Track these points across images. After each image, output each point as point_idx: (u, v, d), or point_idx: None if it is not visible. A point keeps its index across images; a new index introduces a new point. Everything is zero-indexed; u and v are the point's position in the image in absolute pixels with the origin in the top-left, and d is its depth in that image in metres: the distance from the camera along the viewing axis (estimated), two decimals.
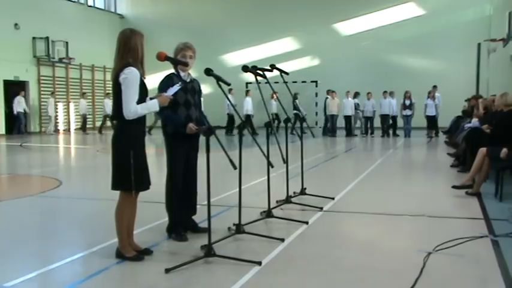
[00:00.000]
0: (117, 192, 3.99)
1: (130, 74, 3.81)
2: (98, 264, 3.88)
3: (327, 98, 19.49)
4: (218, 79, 4.11)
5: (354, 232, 5.08)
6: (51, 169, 10.33)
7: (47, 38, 21.68)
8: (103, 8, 26.54)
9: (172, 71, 4.63)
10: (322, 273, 3.69)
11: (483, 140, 7.19)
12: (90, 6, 25.44)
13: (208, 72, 4.17)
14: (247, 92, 20.03)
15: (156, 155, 11.62)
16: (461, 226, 5.13)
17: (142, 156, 3.98)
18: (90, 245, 4.35)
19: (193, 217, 4.79)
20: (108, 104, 19.85)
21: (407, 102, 17.88)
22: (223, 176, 6.76)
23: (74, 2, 24.24)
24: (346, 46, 23.41)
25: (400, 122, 18.60)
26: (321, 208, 5.75)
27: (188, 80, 4.62)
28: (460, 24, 22.04)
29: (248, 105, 19.49)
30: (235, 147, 8.46)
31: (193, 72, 4.74)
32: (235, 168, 3.65)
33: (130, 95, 3.80)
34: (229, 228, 4.79)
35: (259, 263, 3.79)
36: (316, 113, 23.10)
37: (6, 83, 20.67)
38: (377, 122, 18.88)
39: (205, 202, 3.87)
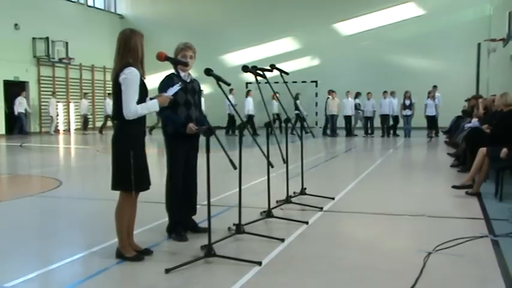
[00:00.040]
0: (117, 192, 3.99)
1: (130, 74, 3.81)
2: (98, 265, 3.88)
3: (328, 98, 19.49)
4: (218, 79, 4.11)
5: (354, 232, 5.08)
6: (51, 169, 10.33)
7: (47, 38, 21.69)
8: (103, 8, 26.55)
9: (172, 71, 4.63)
10: (322, 273, 3.69)
11: (483, 140, 7.19)
12: (90, 6, 25.45)
13: (208, 72, 4.17)
14: (248, 92, 20.04)
15: (156, 155, 11.62)
16: (461, 226, 5.13)
17: (142, 156, 3.98)
18: (90, 245, 4.35)
19: (193, 217, 4.79)
20: (110, 104, 19.86)
21: (407, 102, 17.89)
22: (223, 176, 6.77)
23: (73, 2, 24.24)
24: (346, 46, 23.41)
25: (400, 122, 18.62)
26: (321, 208, 5.75)
27: (188, 80, 4.62)
28: (460, 24, 22.04)
29: (249, 106, 19.50)
30: (235, 147, 8.46)
31: (194, 72, 4.74)
32: (235, 168, 3.65)
33: (130, 95, 3.80)
34: (229, 228, 4.79)
35: (259, 263, 3.79)
36: (316, 113, 23.10)
37: (6, 83, 20.68)
38: (377, 122, 18.89)
39: (205, 202, 3.87)
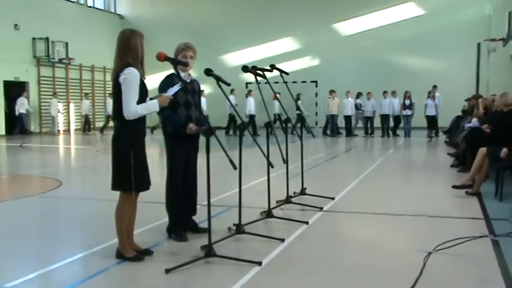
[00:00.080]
0: (117, 193, 3.99)
1: (130, 75, 3.81)
2: (98, 265, 3.88)
3: (329, 98, 19.46)
4: (218, 79, 4.11)
5: (354, 232, 5.09)
6: (51, 169, 10.33)
7: (47, 38, 21.68)
8: (103, 8, 26.55)
9: (173, 71, 4.63)
10: (322, 273, 3.69)
11: (483, 140, 7.19)
12: (90, 6, 25.44)
13: (208, 72, 4.17)
14: (249, 92, 20.04)
15: (156, 155, 11.62)
16: (461, 226, 5.13)
17: (142, 156, 3.98)
18: (90, 246, 4.35)
19: (194, 217, 4.79)
20: (111, 104, 19.81)
21: (407, 102, 17.91)
22: (223, 176, 6.76)
23: (73, 2, 24.24)
24: (346, 46, 23.41)
25: (400, 122, 18.61)
26: (321, 208, 5.75)
27: (188, 81, 4.62)
28: (460, 24, 22.04)
29: (251, 106, 19.51)
30: (235, 147, 8.46)
31: (194, 72, 4.74)
32: (235, 168, 3.65)
33: (130, 95, 3.80)
34: (229, 229, 4.79)
35: (260, 263, 3.79)
36: (317, 113, 23.10)
37: (6, 83, 20.67)
38: (377, 122, 18.89)
39: (205, 202, 3.87)
